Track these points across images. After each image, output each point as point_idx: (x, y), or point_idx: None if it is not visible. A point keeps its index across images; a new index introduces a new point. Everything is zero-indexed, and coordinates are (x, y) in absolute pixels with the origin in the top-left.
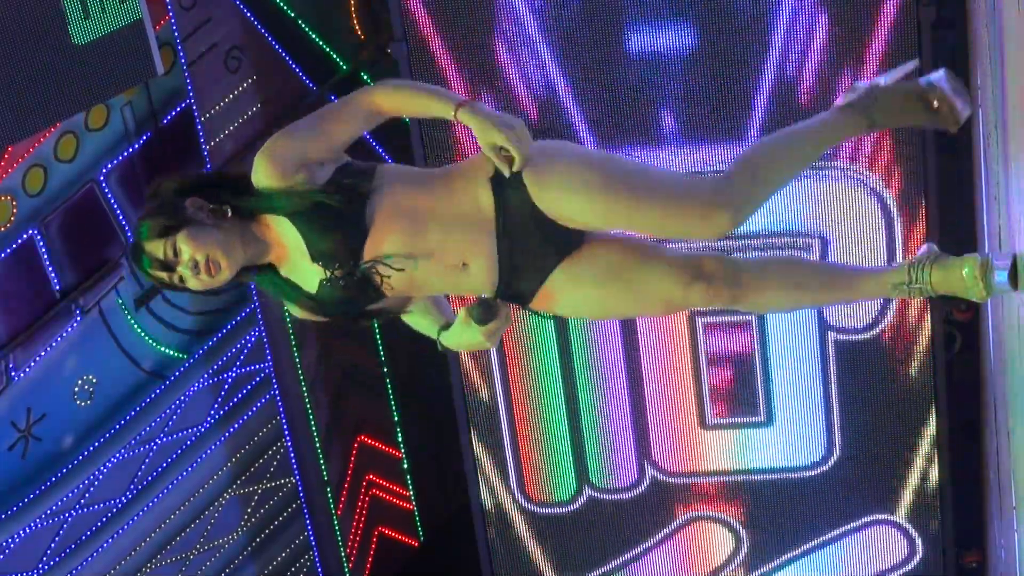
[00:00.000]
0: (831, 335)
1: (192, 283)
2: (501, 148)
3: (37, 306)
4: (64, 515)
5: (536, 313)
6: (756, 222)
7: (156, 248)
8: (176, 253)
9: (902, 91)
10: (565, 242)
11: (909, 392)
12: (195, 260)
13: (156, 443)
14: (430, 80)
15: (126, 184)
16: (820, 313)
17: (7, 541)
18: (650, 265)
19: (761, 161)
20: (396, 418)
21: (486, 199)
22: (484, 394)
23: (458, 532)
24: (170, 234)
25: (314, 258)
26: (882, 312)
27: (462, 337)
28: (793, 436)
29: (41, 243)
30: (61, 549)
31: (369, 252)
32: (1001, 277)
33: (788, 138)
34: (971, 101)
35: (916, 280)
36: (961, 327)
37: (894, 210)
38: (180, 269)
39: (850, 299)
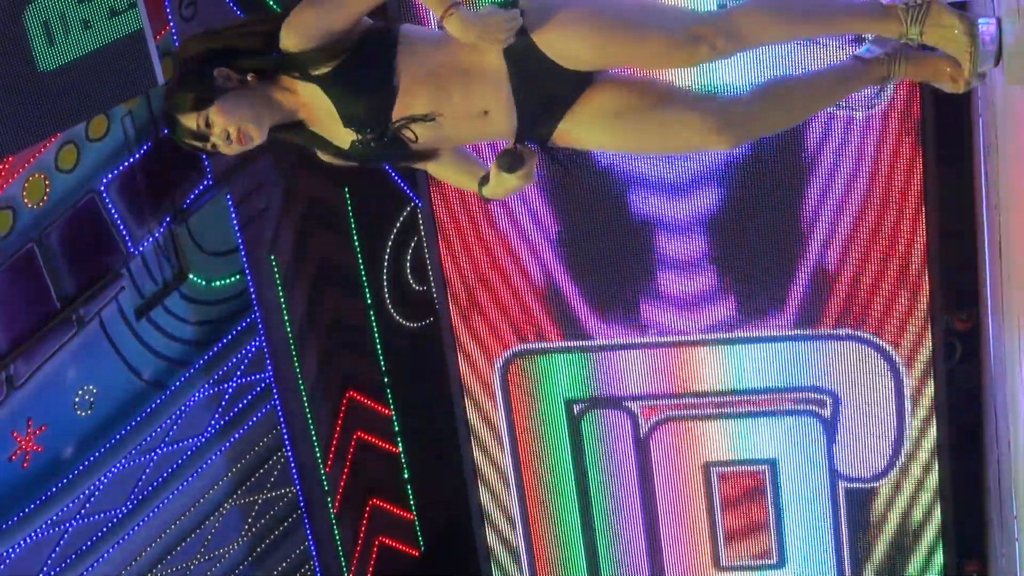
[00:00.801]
0: (842, 484)
1: (225, 149)
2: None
3: (38, 316)
4: (65, 525)
5: (557, 150)
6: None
7: (189, 120)
8: (208, 125)
9: (951, 23)
10: (574, 81)
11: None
12: (227, 131)
13: (157, 453)
14: None
15: (127, 194)
16: (831, 462)
17: (8, 551)
18: (669, 109)
19: (767, 8)
20: (396, 427)
21: (494, 51)
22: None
23: (458, 541)
24: (202, 107)
25: (346, 123)
26: (890, 464)
27: (501, 186)
28: None
29: (42, 253)
30: (62, 559)
31: (398, 113)
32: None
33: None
34: (991, 67)
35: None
36: (961, 336)
37: None
38: (213, 139)
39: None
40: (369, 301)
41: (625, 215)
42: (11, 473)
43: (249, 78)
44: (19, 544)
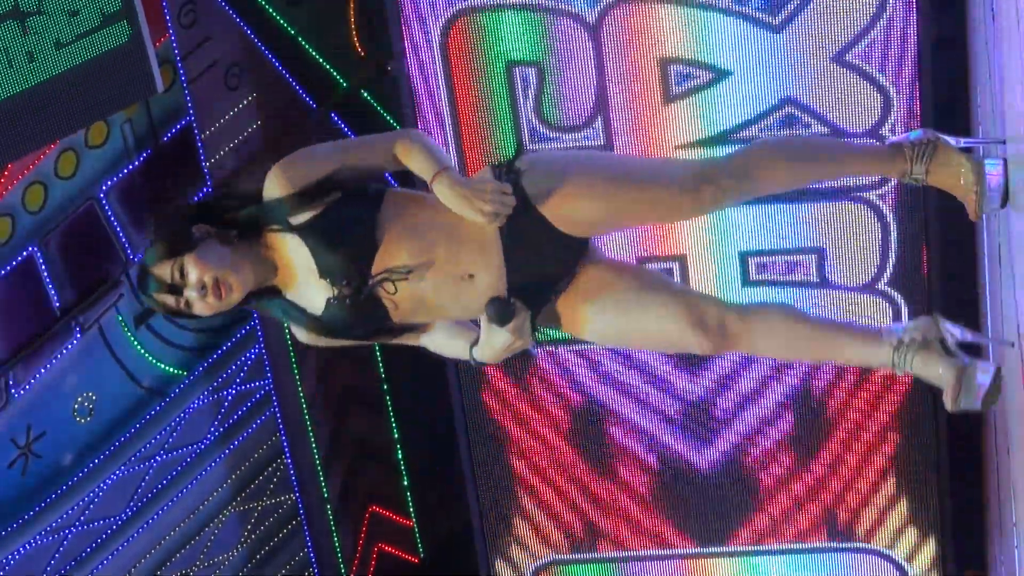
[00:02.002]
0: None
1: (199, 307)
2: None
3: (37, 323)
4: (64, 532)
5: (539, 330)
6: None
7: (163, 271)
8: (183, 275)
9: (951, 155)
10: (569, 248)
11: (909, 407)
12: (203, 282)
13: (156, 460)
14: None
15: (126, 201)
16: None
17: (8, 558)
18: (655, 300)
19: (771, 152)
20: (396, 435)
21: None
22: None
23: (458, 548)
24: (177, 255)
25: (322, 274)
26: None
27: (491, 343)
28: None
29: (41, 260)
30: (61, 566)
31: (377, 267)
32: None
33: (814, 145)
34: (1001, 199)
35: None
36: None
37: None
38: (187, 292)
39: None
40: None
41: None
42: (10, 480)
43: (233, 235)
44: (18, 551)
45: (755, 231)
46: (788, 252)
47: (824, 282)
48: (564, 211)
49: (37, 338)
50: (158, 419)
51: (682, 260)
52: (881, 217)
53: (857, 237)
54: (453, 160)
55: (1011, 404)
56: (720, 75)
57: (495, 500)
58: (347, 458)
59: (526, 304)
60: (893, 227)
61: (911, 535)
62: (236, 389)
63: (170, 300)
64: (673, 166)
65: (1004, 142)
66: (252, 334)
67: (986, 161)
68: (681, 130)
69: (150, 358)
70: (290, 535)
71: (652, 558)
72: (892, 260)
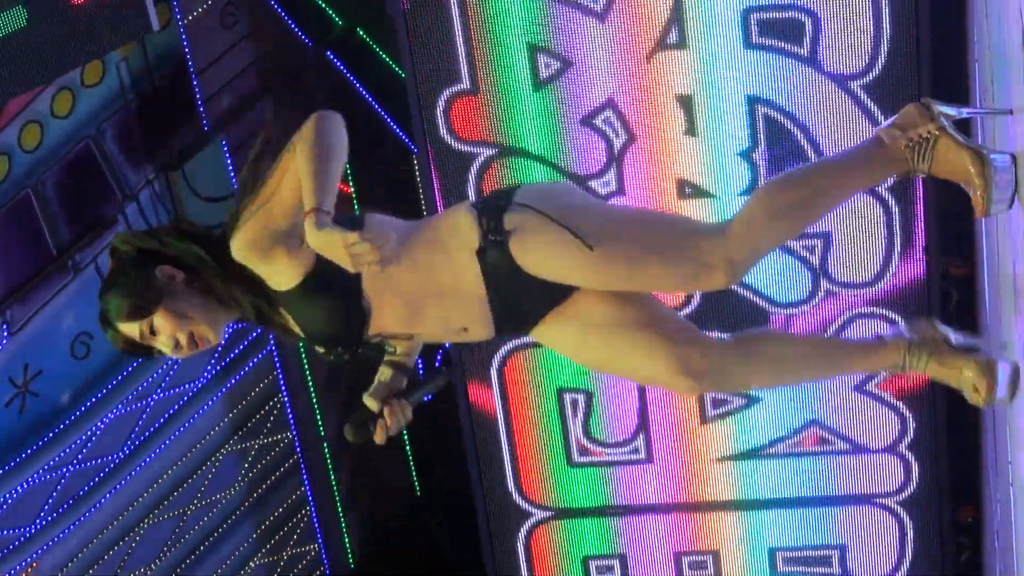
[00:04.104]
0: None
1: (174, 354)
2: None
3: (34, 262)
4: (62, 470)
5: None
6: None
7: (131, 330)
8: (153, 332)
9: (964, 149)
10: (556, 292)
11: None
12: (176, 339)
13: (153, 398)
14: (429, 39)
15: (122, 140)
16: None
17: (5, 497)
18: (641, 337)
19: (775, 204)
20: None
21: (473, 272)
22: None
23: (454, 479)
24: (145, 314)
25: (312, 341)
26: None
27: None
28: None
29: (37, 199)
30: (59, 504)
31: (372, 333)
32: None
33: (813, 175)
34: (1009, 202)
35: (912, 366)
36: (958, 283)
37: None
38: (158, 346)
39: (838, 375)
40: None
41: None
42: (8, 419)
43: (202, 283)
44: (16, 489)
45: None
46: (814, 548)
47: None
48: (549, 273)
49: (34, 277)
50: (156, 358)
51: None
52: (899, 521)
53: (875, 537)
54: None
55: (1008, 340)
56: (752, 401)
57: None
58: (344, 395)
59: (513, 330)
60: (910, 529)
61: (904, 472)
62: (233, 326)
63: (139, 351)
64: (675, 239)
65: (1011, 112)
66: None
67: (993, 155)
68: (716, 446)
69: None
70: (288, 473)
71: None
72: (908, 559)
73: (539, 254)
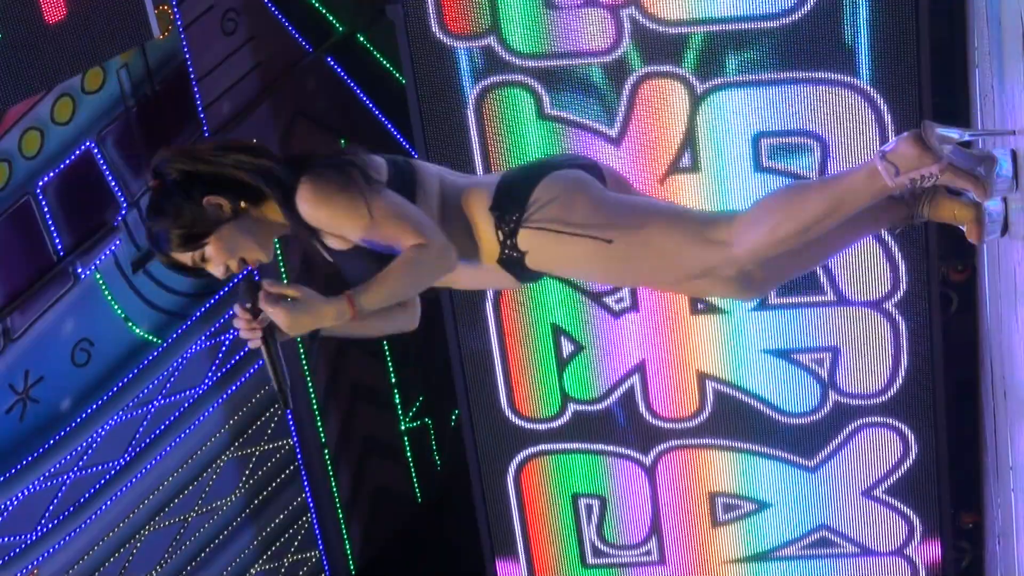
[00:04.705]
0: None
1: (222, 277)
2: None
3: (34, 269)
4: (62, 478)
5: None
6: None
7: (183, 258)
8: (204, 259)
9: (965, 205)
10: None
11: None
12: (227, 266)
13: (154, 405)
14: (426, 44)
15: (123, 147)
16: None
17: (5, 504)
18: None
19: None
20: (393, 379)
21: (502, 274)
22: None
23: (457, 490)
24: (196, 245)
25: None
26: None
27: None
28: None
29: (38, 206)
30: (59, 512)
31: None
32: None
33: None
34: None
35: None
36: (957, 288)
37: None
38: (209, 269)
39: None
40: None
41: None
42: (8, 426)
43: (242, 206)
44: (17, 497)
45: None
46: None
47: None
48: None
49: (34, 284)
50: (156, 364)
51: None
52: None
53: None
54: None
55: (1007, 347)
56: (762, 505)
57: (494, 445)
58: (344, 402)
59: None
60: None
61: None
62: (234, 333)
63: (193, 273)
64: (681, 250)
65: (1014, 132)
66: (249, 279)
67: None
68: (727, 549)
69: (148, 303)
70: (288, 479)
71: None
72: None
73: (555, 265)
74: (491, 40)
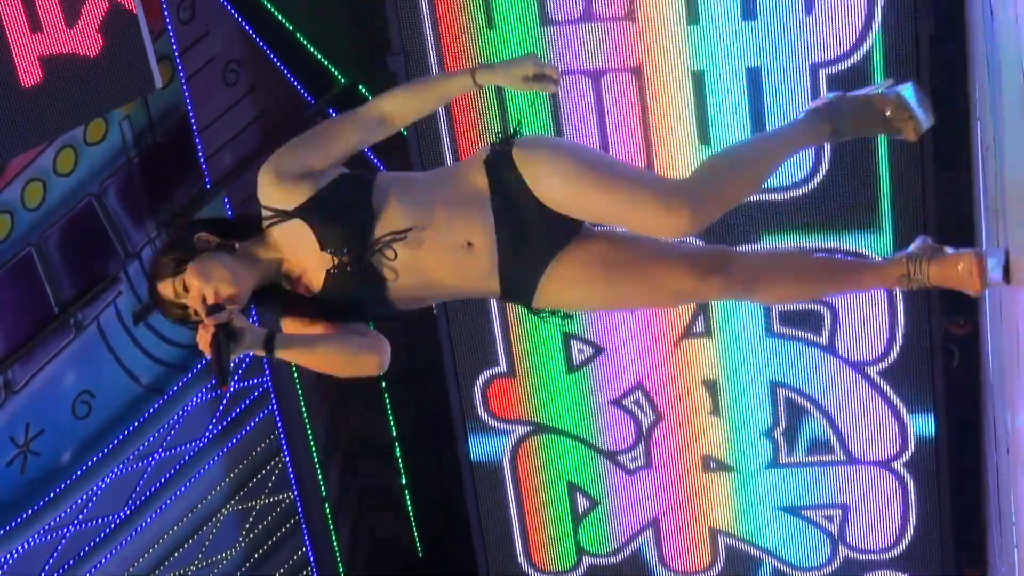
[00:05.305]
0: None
1: (204, 316)
2: (533, 76)
3: (36, 320)
4: (63, 530)
5: (541, 314)
6: None
7: (167, 288)
8: (186, 289)
9: (863, 100)
10: (561, 227)
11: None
12: (203, 295)
13: (154, 458)
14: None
15: (125, 198)
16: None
17: (6, 557)
18: (662, 256)
19: (725, 165)
20: (394, 433)
21: (482, 180)
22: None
23: (456, 542)
24: (178, 272)
25: (323, 246)
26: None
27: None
28: None
29: (40, 257)
30: (60, 565)
31: (378, 234)
32: (994, 272)
33: (753, 144)
34: (931, 114)
35: (915, 273)
36: (959, 342)
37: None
38: (190, 303)
39: (855, 289)
40: None
41: None
42: (9, 478)
43: (232, 245)
44: (17, 549)
45: None
46: None
47: None
48: (546, 187)
49: (36, 336)
50: (157, 417)
51: None
52: None
53: None
54: None
55: (1009, 403)
56: None
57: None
58: (345, 456)
59: (519, 280)
60: None
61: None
62: (234, 386)
63: (177, 312)
64: (664, 184)
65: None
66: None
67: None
68: None
69: (149, 355)
70: (288, 533)
71: None
72: None
73: (536, 160)
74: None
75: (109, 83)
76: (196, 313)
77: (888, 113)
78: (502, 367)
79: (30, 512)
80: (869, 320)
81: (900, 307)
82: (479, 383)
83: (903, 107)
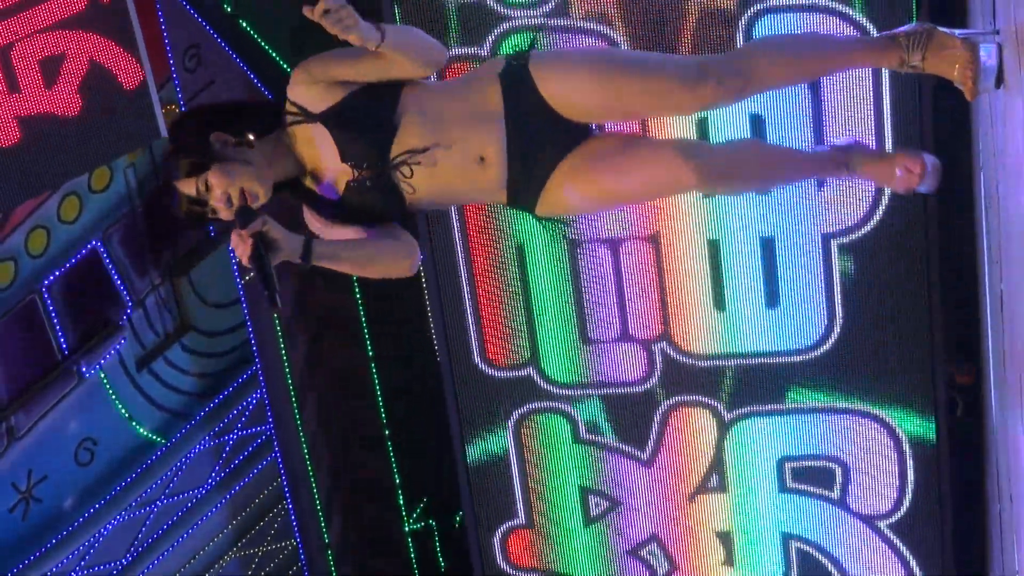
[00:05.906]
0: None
1: (226, 214)
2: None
3: (39, 367)
4: None
5: (545, 220)
6: None
7: (187, 186)
8: (208, 188)
9: (953, 45)
10: (571, 135)
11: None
12: (228, 195)
13: (157, 505)
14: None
15: (129, 245)
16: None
17: None
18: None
19: (771, 45)
20: (397, 480)
21: (495, 93)
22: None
23: None
24: (199, 171)
25: (344, 157)
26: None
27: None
28: None
29: (43, 304)
30: None
31: (396, 151)
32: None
33: (813, 40)
34: (992, 88)
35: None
36: (963, 391)
37: None
38: (212, 202)
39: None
40: (371, 352)
41: None
42: (11, 525)
43: (247, 139)
44: None
45: None
46: None
47: None
48: (563, 93)
49: (39, 382)
50: (159, 464)
51: None
52: None
53: None
54: None
55: (1016, 452)
56: None
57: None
58: (348, 503)
59: (524, 187)
60: None
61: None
62: (237, 434)
63: (198, 209)
64: (676, 60)
65: (997, 32)
66: (254, 379)
67: (981, 45)
68: None
69: (152, 403)
70: None
71: None
72: None
73: (552, 66)
74: (530, 370)
75: (97, 139)
76: (214, 212)
77: (957, 66)
78: (521, 519)
79: (32, 558)
80: (880, 477)
81: (910, 477)
82: (498, 535)
83: (974, 61)
